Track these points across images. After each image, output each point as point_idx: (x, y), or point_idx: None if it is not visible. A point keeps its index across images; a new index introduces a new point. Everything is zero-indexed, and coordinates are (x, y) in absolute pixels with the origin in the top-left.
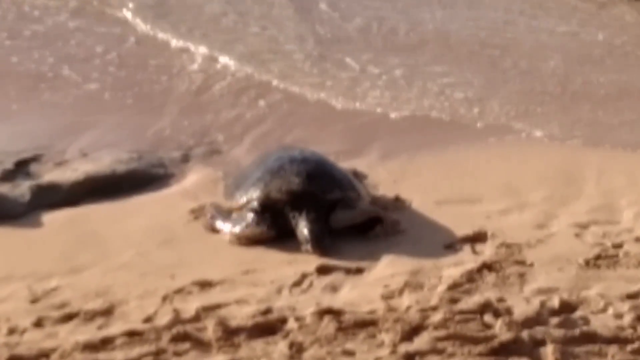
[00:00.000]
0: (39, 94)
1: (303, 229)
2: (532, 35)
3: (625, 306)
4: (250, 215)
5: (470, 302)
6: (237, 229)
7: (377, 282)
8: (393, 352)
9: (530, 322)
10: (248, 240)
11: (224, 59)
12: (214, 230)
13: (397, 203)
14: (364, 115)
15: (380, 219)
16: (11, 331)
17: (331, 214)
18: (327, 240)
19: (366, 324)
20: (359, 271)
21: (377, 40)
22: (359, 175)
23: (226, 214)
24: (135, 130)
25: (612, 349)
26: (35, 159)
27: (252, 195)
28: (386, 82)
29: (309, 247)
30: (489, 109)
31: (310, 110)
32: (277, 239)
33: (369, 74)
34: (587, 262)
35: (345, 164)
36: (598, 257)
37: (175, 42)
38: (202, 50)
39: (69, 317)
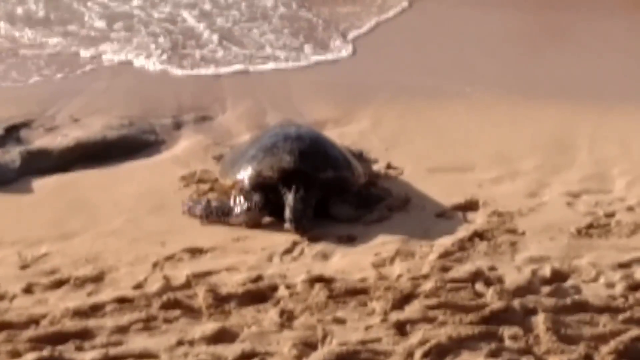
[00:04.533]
0: (27, 58)
1: (287, 207)
2: None
3: (616, 275)
4: (241, 200)
5: (461, 270)
6: (230, 217)
7: (369, 250)
8: (384, 320)
9: (521, 290)
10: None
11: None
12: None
13: (389, 171)
14: (355, 83)
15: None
16: (1, 297)
17: (330, 204)
18: (305, 220)
19: (357, 292)
20: (350, 239)
21: None
22: (359, 154)
23: (208, 203)
24: (126, 96)
25: (604, 318)
26: (25, 124)
27: (244, 173)
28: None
29: (289, 225)
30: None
31: (300, 78)
32: (271, 216)
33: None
34: (579, 231)
35: (337, 132)
36: (590, 226)
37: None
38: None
39: (58, 284)
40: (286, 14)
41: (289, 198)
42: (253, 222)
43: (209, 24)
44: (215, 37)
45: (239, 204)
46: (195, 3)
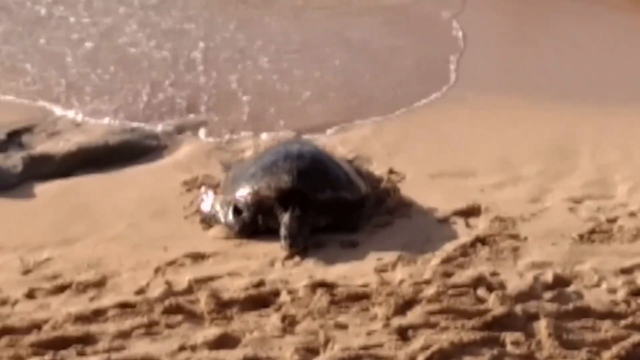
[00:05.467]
0: (31, 64)
1: (282, 225)
2: None
3: (618, 281)
4: (229, 212)
5: (463, 276)
6: (218, 221)
7: (371, 255)
8: (386, 325)
9: (523, 296)
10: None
11: None
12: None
13: (391, 177)
14: (358, 89)
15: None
16: (3, 302)
17: (349, 226)
18: (300, 239)
19: (359, 297)
20: (352, 244)
21: None
22: (364, 173)
23: (214, 202)
24: (129, 102)
25: (606, 324)
26: (27, 129)
27: (243, 192)
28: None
29: (283, 243)
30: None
31: (302, 83)
32: (256, 236)
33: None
34: (581, 237)
35: (339, 137)
36: (592, 231)
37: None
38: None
39: (61, 289)
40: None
41: (285, 217)
42: (238, 236)
43: (240, 76)
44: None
45: (229, 220)
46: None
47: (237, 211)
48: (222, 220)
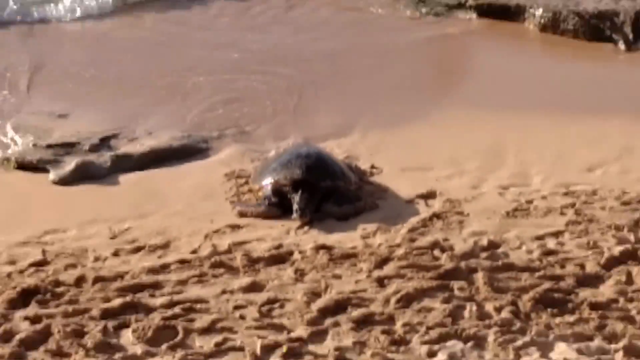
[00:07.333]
0: (118, 89)
1: (294, 203)
2: None
3: (534, 245)
4: (264, 201)
5: (424, 241)
6: (255, 211)
7: (358, 226)
8: (368, 276)
9: (466, 255)
10: (263, 217)
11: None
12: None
13: (373, 170)
14: (347, 108)
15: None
16: (96, 259)
17: (324, 204)
18: (307, 211)
19: (349, 256)
20: (345, 219)
21: None
22: (353, 167)
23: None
24: (186, 117)
25: (525, 275)
26: (114, 136)
27: (267, 181)
28: None
29: (296, 215)
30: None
31: (313, 100)
32: (283, 213)
33: None
34: (507, 213)
35: (335, 142)
36: (515, 209)
37: None
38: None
39: (137, 249)
40: None
41: (296, 198)
42: (268, 215)
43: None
44: None
45: (261, 203)
46: None
47: (268, 196)
48: (257, 205)
